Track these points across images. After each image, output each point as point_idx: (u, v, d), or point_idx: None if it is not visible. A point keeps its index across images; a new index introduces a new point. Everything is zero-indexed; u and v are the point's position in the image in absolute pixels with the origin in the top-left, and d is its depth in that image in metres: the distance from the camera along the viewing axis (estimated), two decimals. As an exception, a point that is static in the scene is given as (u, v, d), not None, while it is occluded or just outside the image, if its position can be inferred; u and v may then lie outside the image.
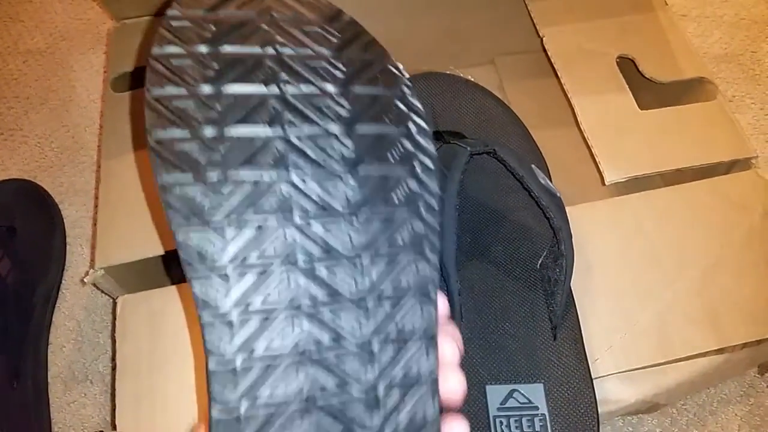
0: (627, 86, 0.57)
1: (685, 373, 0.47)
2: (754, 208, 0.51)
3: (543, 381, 0.42)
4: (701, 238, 0.50)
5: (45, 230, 0.68)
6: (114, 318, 0.49)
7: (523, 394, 0.41)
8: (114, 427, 0.43)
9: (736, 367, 0.56)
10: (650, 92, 0.59)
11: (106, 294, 0.53)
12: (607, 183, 0.52)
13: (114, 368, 0.47)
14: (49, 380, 0.63)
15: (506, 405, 0.41)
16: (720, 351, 0.47)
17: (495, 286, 0.45)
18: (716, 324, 0.46)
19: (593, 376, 0.44)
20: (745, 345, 0.47)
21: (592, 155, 0.53)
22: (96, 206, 0.62)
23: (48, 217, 0.69)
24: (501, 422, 0.40)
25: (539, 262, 0.46)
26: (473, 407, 0.41)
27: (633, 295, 0.47)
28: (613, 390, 0.46)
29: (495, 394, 0.41)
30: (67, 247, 0.69)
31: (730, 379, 0.61)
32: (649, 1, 0.63)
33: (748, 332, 0.46)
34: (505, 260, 0.46)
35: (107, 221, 0.51)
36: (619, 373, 0.45)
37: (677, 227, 0.50)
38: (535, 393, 0.41)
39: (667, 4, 0.63)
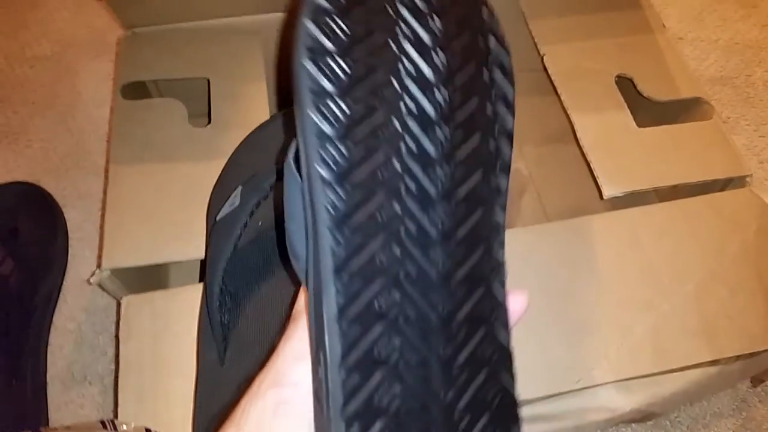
0: (625, 104, 0.58)
1: (679, 383, 0.48)
2: (748, 224, 0.52)
3: None
4: (697, 252, 0.51)
5: (48, 232, 0.69)
6: (117, 319, 0.49)
7: None
8: None
9: (729, 379, 0.57)
10: (648, 111, 0.61)
11: (109, 295, 0.53)
12: (605, 197, 0.53)
13: (117, 367, 0.47)
14: (48, 380, 0.63)
15: None
16: (714, 363, 0.48)
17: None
18: (711, 336, 0.47)
19: (590, 385, 0.45)
20: (738, 357, 0.48)
21: (590, 170, 0.55)
22: (103, 209, 0.63)
23: (51, 220, 0.70)
24: None
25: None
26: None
27: (630, 306, 0.48)
28: (609, 398, 0.47)
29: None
30: (69, 249, 0.70)
31: (723, 393, 0.62)
32: (647, 23, 0.65)
33: (742, 345, 0.48)
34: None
35: (114, 224, 0.52)
36: (616, 382, 0.46)
37: (673, 241, 0.51)
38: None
39: (665, 27, 0.65)
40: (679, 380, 0.48)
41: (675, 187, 0.55)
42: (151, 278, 0.58)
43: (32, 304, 0.64)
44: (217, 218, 0.46)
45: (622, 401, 0.47)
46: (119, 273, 0.51)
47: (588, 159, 0.55)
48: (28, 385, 0.60)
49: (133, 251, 0.51)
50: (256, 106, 0.58)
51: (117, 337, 0.48)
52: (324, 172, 0.25)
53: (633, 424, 0.60)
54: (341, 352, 0.24)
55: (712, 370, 0.48)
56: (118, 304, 0.50)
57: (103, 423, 0.43)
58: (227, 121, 0.57)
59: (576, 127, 0.56)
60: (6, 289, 0.62)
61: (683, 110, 0.62)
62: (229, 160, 0.53)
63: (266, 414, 0.25)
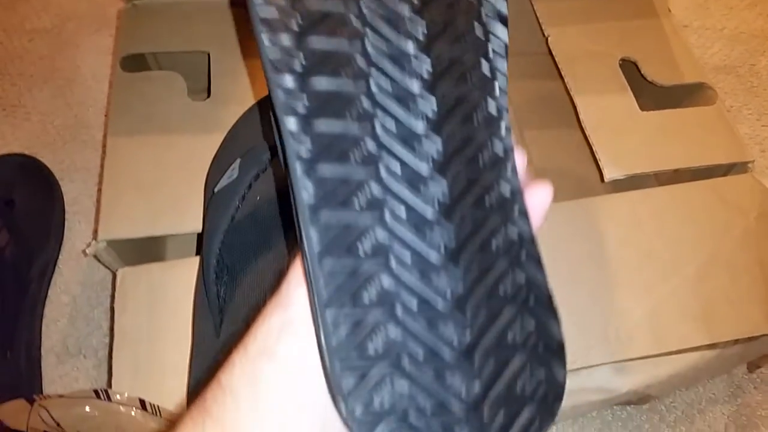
0: (629, 87, 0.58)
1: (677, 366, 0.48)
2: (749, 210, 0.52)
3: None
4: (697, 236, 0.51)
5: (44, 205, 0.68)
6: (113, 291, 0.49)
7: None
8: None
9: (726, 363, 0.57)
10: (651, 95, 0.61)
11: (105, 266, 0.53)
12: (606, 180, 0.53)
13: (111, 339, 0.47)
14: (42, 353, 0.63)
15: None
16: (712, 346, 0.48)
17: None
18: (709, 320, 0.47)
19: (587, 365, 0.45)
20: (736, 342, 0.48)
21: (592, 153, 0.54)
22: (100, 181, 0.63)
23: (48, 193, 0.69)
24: None
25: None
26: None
27: (629, 288, 0.48)
28: (606, 379, 0.47)
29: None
30: (66, 223, 0.70)
31: (719, 379, 0.62)
32: (652, 7, 0.64)
33: (740, 329, 0.47)
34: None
35: (111, 195, 0.52)
36: (613, 363, 0.46)
37: (675, 225, 0.51)
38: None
39: (670, 11, 0.64)
40: (676, 363, 0.48)
41: (677, 171, 0.55)
42: (147, 251, 0.57)
43: (28, 277, 0.63)
44: (215, 190, 0.46)
45: (619, 382, 0.47)
46: (115, 244, 0.50)
47: (590, 141, 0.54)
48: (22, 357, 0.60)
49: (129, 223, 0.51)
50: (256, 81, 0.57)
51: (112, 308, 0.48)
52: (283, 81, 0.24)
53: (628, 407, 0.60)
54: (319, 247, 0.23)
55: (710, 353, 0.48)
56: (114, 277, 0.49)
57: (96, 392, 0.42)
58: (227, 95, 0.57)
59: (579, 110, 0.56)
60: (1, 261, 0.61)
61: (687, 95, 0.61)
62: (228, 133, 0.52)
63: (272, 335, 0.25)
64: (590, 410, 0.58)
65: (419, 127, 0.26)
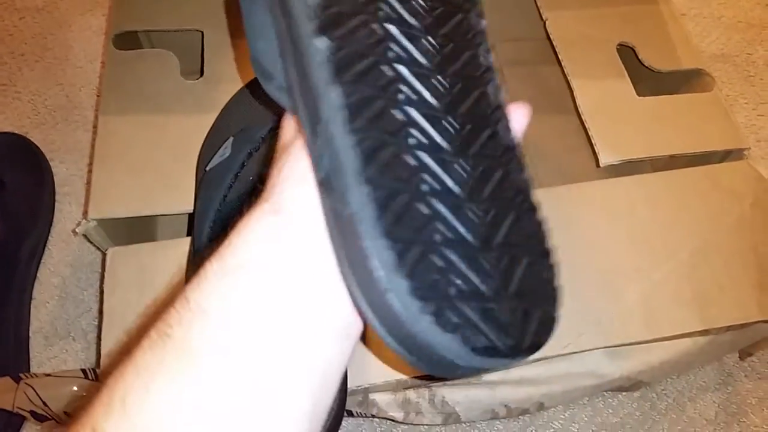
0: (626, 73, 0.57)
1: (669, 352, 0.48)
2: (744, 197, 0.52)
3: None
4: (692, 222, 0.50)
5: (34, 185, 0.67)
6: (102, 271, 0.48)
7: None
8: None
9: (718, 350, 0.57)
10: (648, 81, 0.60)
11: (94, 246, 0.52)
12: (601, 165, 0.52)
13: (100, 319, 0.46)
14: (31, 335, 0.62)
15: None
16: (704, 333, 0.48)
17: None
18: (702, 306, 0.47)
19: (579, 350, 0.45)
20: (728, 328, 0.48)
21: (588, 137, 0.54)
22: (91, 162, 0.62)
23: (38, 173, 0.68)
24: None
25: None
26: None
27: (622, 273, 0.48)
28: (598, 365, 0.47)
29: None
30: (56, 204, 0.69)
31: (710, 367, 0.62)
32: (651, -8, 0.64)
33: (733, 316, 0.47)
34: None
35: (102, 174, 0.51)
36: (605, 348, 0.46)
37: (669, 211, 0.51)
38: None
39: (669, -3, 0.64)
40: (668, 349, 0.47)
41: (673, 157, 0.55)
42: (138, 231, 0.57)
43: (17, 258, 0.63)
44: (207, 168, 0.45)
45: (611, 368, 0.47)
46: (106, 224, 0.50)
47: (586, 126, 0.54)
48: (10, 338, 0.59)
49: (120, 202, 0.50)
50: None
51: (101, 289, 0.47)
52: None
53: (620, 395, 0.60)
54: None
55: (702, 340, 0.48)
56: (104, 258, 0.49)
57: (84, 372, 0.42)
58: (220, 74, 0.56)
59: (576, 94, 0.55)
60: (-10, 240, 0.61)
61: (684, 81, 0.61)
62: (221, 112, 0.52)
63: (256, 242, 0.23)
64: (581, 396, 0.58)
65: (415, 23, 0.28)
